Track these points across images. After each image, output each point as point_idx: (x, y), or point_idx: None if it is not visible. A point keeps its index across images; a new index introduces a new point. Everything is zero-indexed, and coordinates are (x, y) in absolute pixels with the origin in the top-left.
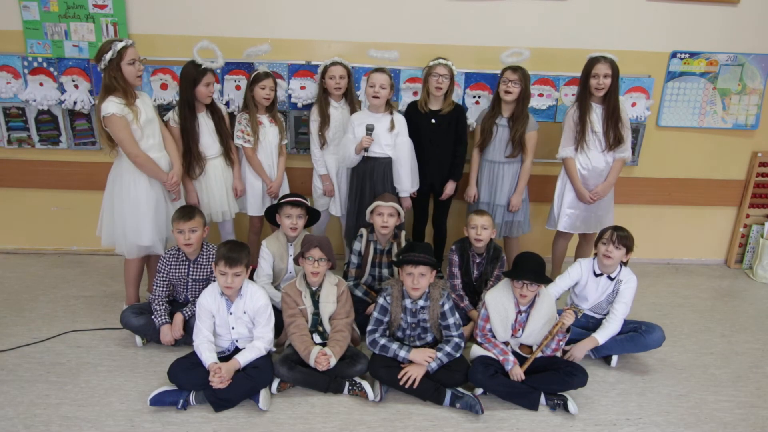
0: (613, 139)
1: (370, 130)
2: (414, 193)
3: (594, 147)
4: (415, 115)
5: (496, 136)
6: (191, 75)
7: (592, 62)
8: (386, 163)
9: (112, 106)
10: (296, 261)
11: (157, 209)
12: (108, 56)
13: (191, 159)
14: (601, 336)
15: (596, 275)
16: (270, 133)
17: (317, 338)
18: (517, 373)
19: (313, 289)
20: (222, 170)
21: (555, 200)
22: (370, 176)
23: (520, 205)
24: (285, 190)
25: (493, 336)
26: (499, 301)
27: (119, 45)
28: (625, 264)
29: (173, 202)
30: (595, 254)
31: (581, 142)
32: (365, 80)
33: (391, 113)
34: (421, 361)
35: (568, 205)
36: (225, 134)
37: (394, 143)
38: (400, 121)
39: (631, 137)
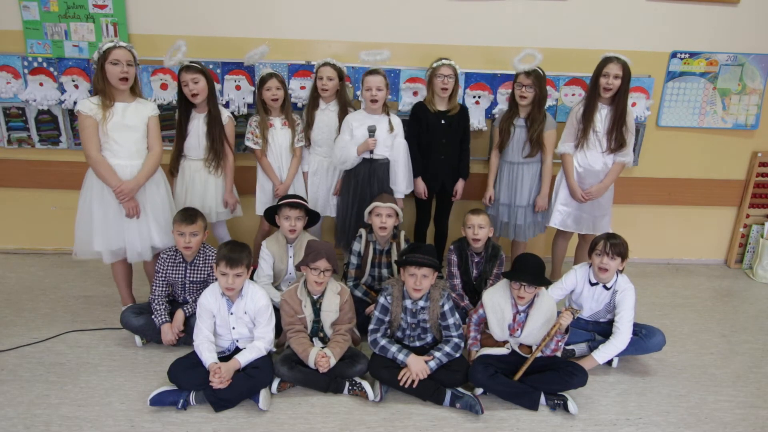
0: (615, 143)
1: (372, 131)
2: (425, 194)
3: (594, 147)
4: (424, 116)
5: (513, 136)
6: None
7: (605, 61)
8: (387, 165)
9: (83, 103)
10: (298, 268)
11: (106, 218)
12: (95, 56)
13: (176, 154)
14: (601, 356)
15: (592, 284)
16: (280, 136)
17: (318, 343)
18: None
19: (315, 297)
20: (198, 172)
21: (552, 196)
22: (371, 178)
23: (546, 206)
24: (301, 191)
25: (486, 329)
26: (496, 301)
27: (106, 45)
28: (621, 272)
29: (129, 217)
30: (590, 264)
31: (582, 141)
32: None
33: (388, 114)
34: (417, 371)
35: (561, 202)
36: (216, 140)
37: (392, 144)
38: (398, 123)
39: (633, 143)
